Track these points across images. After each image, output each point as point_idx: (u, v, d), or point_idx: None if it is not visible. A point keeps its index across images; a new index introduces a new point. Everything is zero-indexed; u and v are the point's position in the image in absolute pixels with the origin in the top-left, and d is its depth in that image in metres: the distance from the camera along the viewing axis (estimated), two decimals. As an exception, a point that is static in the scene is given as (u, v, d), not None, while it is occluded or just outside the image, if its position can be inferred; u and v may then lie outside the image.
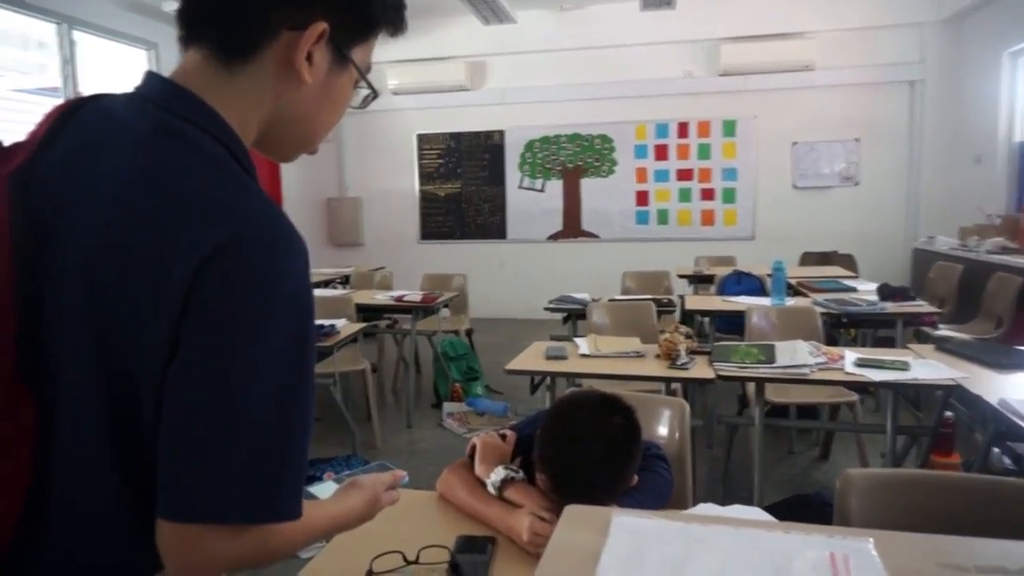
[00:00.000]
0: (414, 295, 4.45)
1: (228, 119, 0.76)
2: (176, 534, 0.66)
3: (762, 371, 2.48)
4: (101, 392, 0.68)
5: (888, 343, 3.86)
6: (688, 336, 2.75)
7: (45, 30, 5.16)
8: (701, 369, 2.53)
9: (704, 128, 7.12)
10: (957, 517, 1.40)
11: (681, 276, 5.48)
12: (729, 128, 7.08)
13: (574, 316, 4.09)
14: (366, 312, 4.66)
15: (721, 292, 4.73)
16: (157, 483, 0.66)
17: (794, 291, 4.61)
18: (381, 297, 4.57)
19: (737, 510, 1.40)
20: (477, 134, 7.65)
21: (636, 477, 1.34)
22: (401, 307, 4.36)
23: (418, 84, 7.55)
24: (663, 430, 1.94)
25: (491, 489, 1.35)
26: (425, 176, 7.87)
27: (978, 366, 2.47)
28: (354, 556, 1.19)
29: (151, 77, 0.77)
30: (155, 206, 0.67)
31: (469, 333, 5.23)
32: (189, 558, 0.67)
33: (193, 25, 0.76)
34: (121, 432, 0.69)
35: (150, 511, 0.67)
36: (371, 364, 4.20)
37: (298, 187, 8.11)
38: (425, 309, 4.37)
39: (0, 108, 5.07)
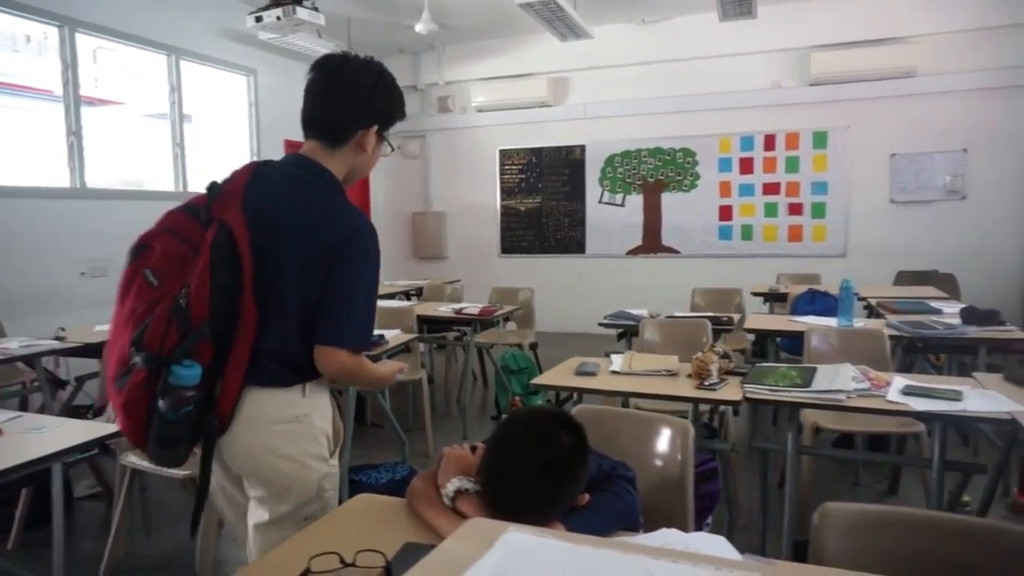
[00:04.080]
0: (474, 308, 4.53)
1: (334, 172, 1.60)
2: (321, 351, 1.52)
3: (794, 395, 2.35)
4: (297, 302, 1.50)
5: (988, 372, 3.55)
6: (725, 356, 2.65)
7: (157, 61, 5.69)
8: (731, 391, 2.43)
9: (792, 140, 6.83)
10: (938, 558, 1.29)
11: (755, 294, 5.27)
12: (820, 140, 6.75)
13: (629, 332, 4.02)
14: (430, 324, 4.78)
15: (794, 311, 4.51)
16: (314, 330, 1.51)
17: (873, 312, 4.34)
18: (443, 309, 4.67)
19: (698, 537, 1.35)
20: (558, 149, 7.69)
21: (587, 496, 1.32)
22: (461, 319, 4.45)
23: (501, 101, 7.70)
24: (663, 450, 1.89)
25: (445, 500, 1.37)
26: (506, 191, 7.98)
27: (1046, 399, 2.23)
28: (297, 553, 1.25)
29: (291, 155, 1.62)
30: (317, 215, 1.52)
31: (533, 347, 5.24)
32: (326, 364, 1.53)
33: (311, 127, 1.63)
34: (303, 318, 1.51)
35: (309, 348, 1.52)
36: (428, 374, 4.30)
37: (385, 202, 8.47)
38: (483, 322, 4.43)
39: (129, 129, 5.65)
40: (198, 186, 5.99)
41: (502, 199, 8.02)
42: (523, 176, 7.89)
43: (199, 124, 6.07)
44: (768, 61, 6.81)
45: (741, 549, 1.23)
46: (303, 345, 1.51)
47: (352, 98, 1.57)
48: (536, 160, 7.81)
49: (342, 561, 1.23)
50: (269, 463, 1.53)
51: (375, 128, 1.61)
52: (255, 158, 6.57)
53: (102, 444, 2.17)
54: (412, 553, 1.26)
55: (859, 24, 6.42)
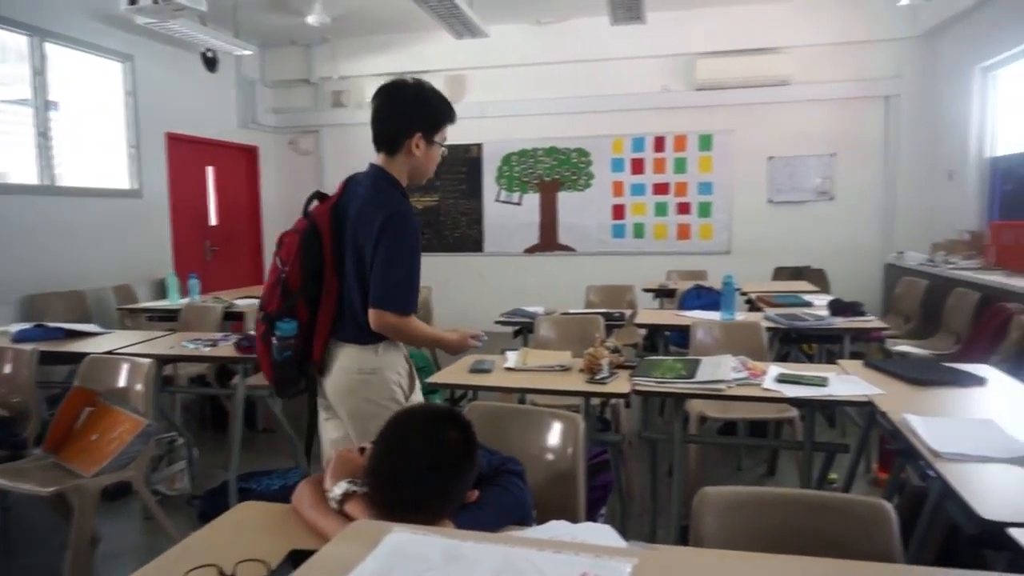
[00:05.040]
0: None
1: (396, 174, 2.01)
2: (371, 313, 1.92)
3: (679, 386, 2.46)
4: (357, 274, 1.94)
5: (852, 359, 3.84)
6: (615, 351, 2.73)
7: (18, 42, 5.22)
8: (620, 384, 2.51)
9: (680, 142, 7.13)
10: (804, 532, 1.38)
11: (646, 290, 5.46)
12: (705, 142, 7.09)
13: (525, 329, 4.07)
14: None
15: (682, 306, 4.71)
16: (368, 295, 1.93)
17: (753, 306, 4.60)
18: (339, 309, 4.56)
19: (585, 528, 1.38)
20: (455, 147, 7.67)
21: (476, 492, 1.32)
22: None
23: (397, 97, 7.58)
24: (554, 444, 1.92)
25: (332, 503, 1.33)
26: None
27: (899, 382, 2.45)
28: (174, 567, 1.18)
29: (372, 166, 2.03)
30: (371, 204, 1.93)
31: (432, 345, 5.21)
32: (374, 323, 1.92)
33: (377, 142, 2.02)
34: (362, 283, 1.94)
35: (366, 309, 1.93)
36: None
37: (278, 199, 8.17)
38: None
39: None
40: (69, 179, 5.59)
41: (400, 197, 7.91)
42: (421, 174, 7.82)
43: (68, 113, 5.62)
44: (657, 65, 7.07)
45: (633, 537, 1.28)
46: (365, 306, 1.94)
47: (397, 114, 2.01)
48: (434, 158, 7.76)
49: (221, 573, 1.17)
50: (352, 403, 2.00)
51: (419, 135, 1.99)
52: (132, 149, 6.21)
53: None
54: (297, 561, 1.22)
55: (739, 34, 6.78)
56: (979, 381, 2.43)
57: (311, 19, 6.12)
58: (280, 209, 8.19)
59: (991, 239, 4.90)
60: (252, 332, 3.65)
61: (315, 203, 2.02)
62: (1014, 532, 1.30)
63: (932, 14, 6.15)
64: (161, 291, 5.84)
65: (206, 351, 3.36)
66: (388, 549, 0.90)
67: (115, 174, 6.04)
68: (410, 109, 2.00)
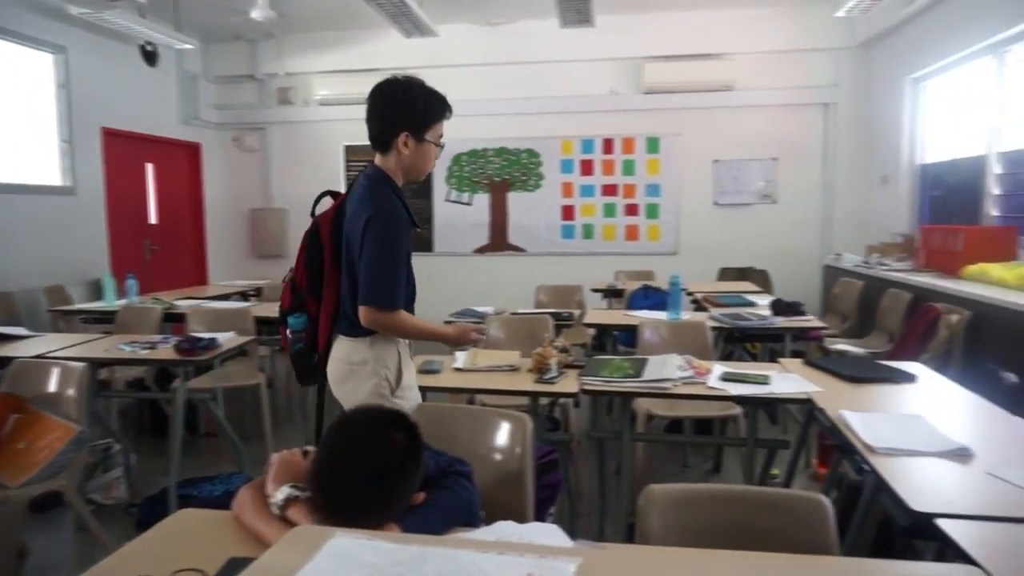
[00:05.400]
0: (317, 308, 4.36)
1: (390, 172, 2.07)
2: (362, 310, 1.99)
3: (627, 385, 2.49)
4: (349, 268, 2.03)
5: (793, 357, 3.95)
6: (564, 350, 2.75)
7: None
8: (568, 383, 2.53)
9: (629, 144, 7.23)
10: (745, 527, 1.41)
11: (595, 290, 5.52)
12: (653, 145, 7.20)
13: (475, 330, 4.05)
14: (270, 325, 4.56)
15: (630, 306, 4.78)
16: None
17: (699, 306, 4.70)
18: (285, 310, 4.46)
19: (532, 528, 1.38)
20: (405, 146, 7.61)
21: (422, 495, 1.31)
22: (303, 320, 4.26)
23: (346, 95, 7.47)
24: (503, 444, 1.92)
25: (274, 509, 1.30)
26: (353, 188, 7.78)
27: (837, 380, 2.53)
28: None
29: (369, 165, 2.10)
30: (362, 204, 1.99)
31: (381, 347, 5.15)
32: (362, 318, 1.99)
33: (371, 141, 2.08)
34: (353, 280, 2.02)
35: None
36: (268, 378, 4.10)
37: (221, 197, 7.96)
38: (327, 322, 4.28)
39: None
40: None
41: (348, 196, 7.80)
42: (370, 173, 7.73)
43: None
44: (606, 68, 7.15)
45: (582, 536, 1.29)
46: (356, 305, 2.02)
47: (385, 113, 2.05)
48: (383, 157, 7.68)
49: (156, 584, 1.14)
50: (341, 392, 2.12)
51: (406, 133, 2.02)
52: (65, 144, 5.95)
53: None
54: (236, 569, 1.19)
55: (686, 39, 6.91)
56: (910, 378, 2.53)
57: (255, 14, 5.97)
58: (225, 207, 7.99)
59: (921, 242, 5.12)
60: (193, 334, 3.54)
61: (327, 202, 2.17)
62: (942, 523, 1.36)
63: (867, 26, 6.38)
64: (97, 292, 5.61)
65: (144, 354, 3.24)
66: (329, 555, 0.88)
67: (46, 170, 5.78)
68: (397, 107, 2.03)
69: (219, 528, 1.38)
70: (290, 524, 1.27)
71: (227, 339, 3.39)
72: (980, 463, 1.68)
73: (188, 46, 6.38)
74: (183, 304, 4.63)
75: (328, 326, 2.11)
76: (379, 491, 1.22)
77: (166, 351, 3.25)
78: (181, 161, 7.58)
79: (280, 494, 1.31)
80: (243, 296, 5.67)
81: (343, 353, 2.09)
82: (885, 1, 5.42)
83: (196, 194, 7.76)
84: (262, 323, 4.32)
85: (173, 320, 4.42)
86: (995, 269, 4.02)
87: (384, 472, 1.22)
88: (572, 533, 1.28)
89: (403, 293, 2.02)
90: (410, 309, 2.10)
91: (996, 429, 2.01)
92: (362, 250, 1.95)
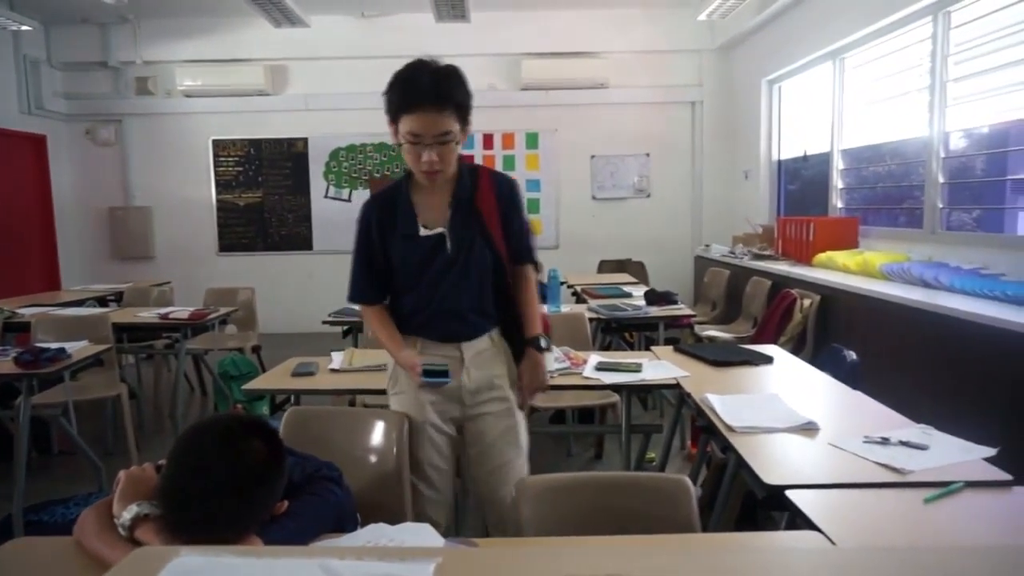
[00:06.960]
0: (183, 311, 4.11)
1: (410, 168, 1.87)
2: None
3: (505, 379, 2.50)
4: None
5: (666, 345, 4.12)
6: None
7: None
8: (448, 379, 2.50)
9: (509, 140, 7.30)
10: (616, 511, 1.45)
11: (479, 285, 5.52)
12: (532, 140, 7.31)
13: (355, 329, 3.96)
14: (132, 332, 4.25)
15: (512, 300, 4.81)
16: None
17: (579, 298, 4.82)
18: (147, 315, 4.17)
19: (404, 528, 1.36)
20: (279, 141, 7.31)
21: (285, 503, 1.25)
22: (167, 325, 4.00)
23: (213, 86, 7.08)
24: (378, 445, 1.88)
25: (121, 530, 1.20)
26: (223, 184, 7.38)
27: (703, 364, 2.66)
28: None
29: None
30: None
31: (256, 350, 4.93)
32: None
33: None
34: None
35: None
36: (131, 389, 3.81)
37: (73, 195, 7.32)
38: (194, 327, 4.04)
39: None
40: None
41: (218, 193, 7.39)
42: (241, 169, 7.36)
43: None
44: (484, 64, 7.16)
45: (469, 532, 1.28)
46: None
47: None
48: (255, 152, 7.34)
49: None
50: None
51: (392, 125, 1.78)
52: None
53: None
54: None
55: (561, 37, 7.06)
56: (768, 360, 2.70)
57: (105, -5, 5.53)
58: (79, 206, 7.35)
59: (779, 233, 5.50)
60: (37, 344, 3.23)
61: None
62: (791, 494, 1.46)
63: (725, 30, 6.77)
64: (-77, 302, 5.00)
65: (-23, 369, 2.92)
66: (174, 573, 0.82)
67: None
68: (385, 97, 1.78)
69: (60, 556, 1.26)
70: (138, 546, 1.18)
71: (79, 348, 3.11)
72: (824, 435, 1.82)
73: (26, 28, 5.80)
74: (27, 312, 4.22)
75: None
76: (237, 505, 1.14)
77: (5, 364, 2.94)
78: (24, 154, 6.90)
79: (127, 513, 1.21)
80: (101, 302, 5.24)
81: None
82: (741, 7, 5.77)
83: (43, 191, 7.09)
84: (126, 329, 4.01)
85: (17, 330, 4.02)
86: (840, 256, 4.39)
87: (241, 484, 1.15)
88: (459, 530, 1.27)
89: (358, 288, 1.99)
90: (398, 305, 1.97)
91: (838, 403, 2.19)
92: None
